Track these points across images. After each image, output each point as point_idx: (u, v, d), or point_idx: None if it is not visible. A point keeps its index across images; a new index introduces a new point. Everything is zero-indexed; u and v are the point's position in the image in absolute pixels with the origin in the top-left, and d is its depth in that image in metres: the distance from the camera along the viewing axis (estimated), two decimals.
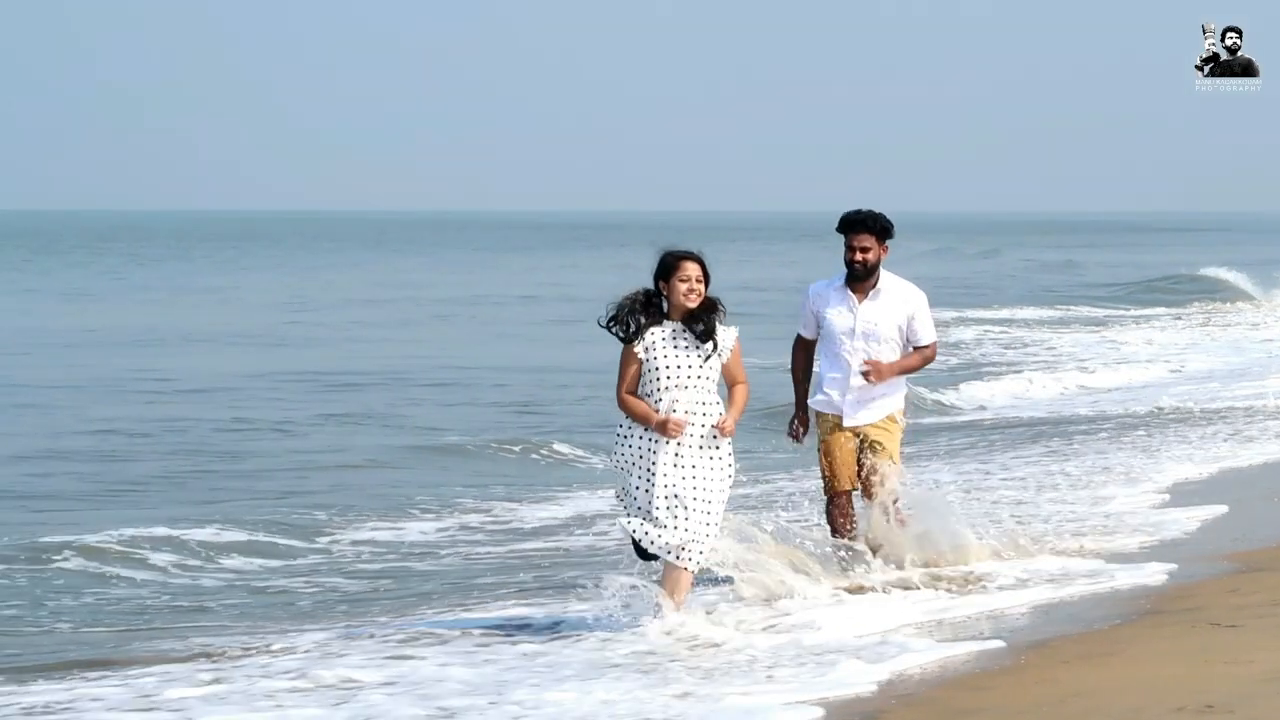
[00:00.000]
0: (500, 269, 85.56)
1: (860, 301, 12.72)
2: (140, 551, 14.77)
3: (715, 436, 11.10)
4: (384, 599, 13.20)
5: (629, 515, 11.11)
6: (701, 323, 11.07)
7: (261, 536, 15.54)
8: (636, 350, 11.11)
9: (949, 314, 46.20)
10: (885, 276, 12.79)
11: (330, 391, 28.72)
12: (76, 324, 44.84)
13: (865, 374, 12.60)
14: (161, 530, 15.39)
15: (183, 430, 23.36)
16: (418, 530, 16.18)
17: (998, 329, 43.78)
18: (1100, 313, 51.65)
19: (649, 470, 11.06)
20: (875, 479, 12.66)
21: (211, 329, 42.85)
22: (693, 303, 11.09)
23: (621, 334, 11.10)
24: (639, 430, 11.12)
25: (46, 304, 54.62)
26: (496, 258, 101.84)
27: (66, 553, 14.60)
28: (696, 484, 11.06)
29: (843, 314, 12.72)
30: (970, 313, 48.77)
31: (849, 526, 12.71)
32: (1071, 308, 53.80)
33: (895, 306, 12.76)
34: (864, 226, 12.68)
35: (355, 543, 15.61)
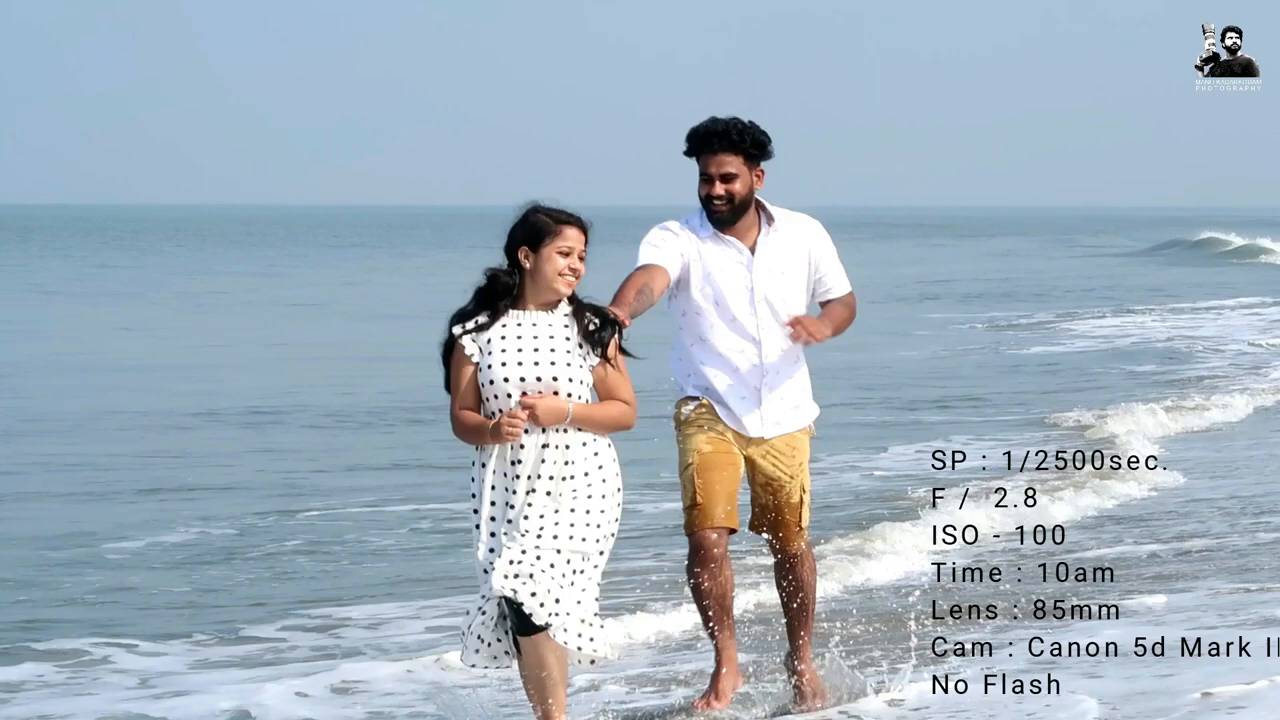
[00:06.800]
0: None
1: (753, 248, 8.62)
2: None
3: (589, 476, 7.67)
4: None
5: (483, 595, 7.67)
6: (593, 323, 7.68)
7: None
8: (465, 346, 7.70)
9: None
10: (773, 209, 8.68)
11: None
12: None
13: (795, 335, 8.49)
14: None
15: None
16: None
17: None
18: None
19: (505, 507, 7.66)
20: (791, 515, 8.69)
21: None
22: (566, 289, 7.69)
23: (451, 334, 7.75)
24: (483, 456, 7.72)
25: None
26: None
27: None
28: (560, 532, 7.59)
29: (732, 267, 8.56)
30: None
31: (722, 586, 8.51)
32: None
33: (797, 250, 8.64)
34: (725, 142, 8.46)
35: None
